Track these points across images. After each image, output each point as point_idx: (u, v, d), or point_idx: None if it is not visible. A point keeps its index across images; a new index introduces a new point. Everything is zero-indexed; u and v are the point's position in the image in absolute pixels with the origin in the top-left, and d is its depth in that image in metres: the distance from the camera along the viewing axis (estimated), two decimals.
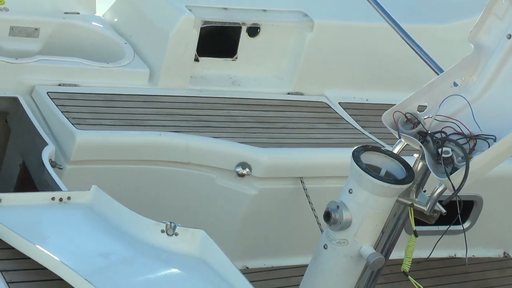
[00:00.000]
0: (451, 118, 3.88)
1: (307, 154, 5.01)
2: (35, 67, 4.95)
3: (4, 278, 3.39)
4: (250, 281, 3.62)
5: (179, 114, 5.02)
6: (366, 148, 3.93)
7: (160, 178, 4.79)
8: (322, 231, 4.11)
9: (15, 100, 4.80)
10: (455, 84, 3.99)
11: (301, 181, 4.93)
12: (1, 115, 4.88)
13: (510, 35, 3.92)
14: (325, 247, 3.99)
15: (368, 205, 3.86)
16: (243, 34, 5.44)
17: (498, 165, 3.89)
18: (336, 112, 5.50)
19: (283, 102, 5.46)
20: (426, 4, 5.95)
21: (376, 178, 3.80)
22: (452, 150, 3.76)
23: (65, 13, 5.46)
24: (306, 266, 4.17)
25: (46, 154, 4.39)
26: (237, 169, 4.82)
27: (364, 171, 3.80)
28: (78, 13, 5.50)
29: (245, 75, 5.51)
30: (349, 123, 5.42)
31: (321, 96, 5.60)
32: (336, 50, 5.60)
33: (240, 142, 4.90)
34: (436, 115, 3.90)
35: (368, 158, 3.90)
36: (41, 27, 5.31)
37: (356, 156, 3.85)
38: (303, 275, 4.16)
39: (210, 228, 3.86)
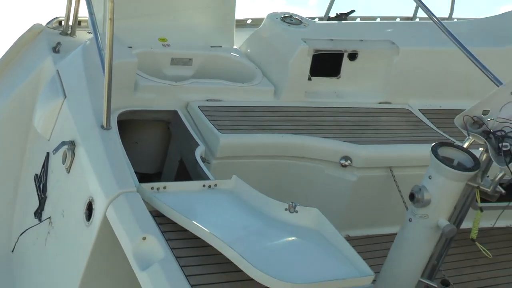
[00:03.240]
0: (509, 120, 3.76)
1: (395, 149, 4.91)
2: (189, 88, 4.97)
3: (169, 245, 3.41)
4: (352, 246, 3.58)
5: (297, 120, 4.97)
6: (442, 144, 3.85)
7: (282, 169, 4.75)
8: (407, 208, 4.03)
9: (175, 112, 4.83)
10: None
11: (391, 170, 4.85)
12: (164, 123, 4.92)
13: None
14: (410, 220, 3.92)
15: (444, 188, 3.77)
16: (345, 59, 5.37)
17: None
18: (417, 117, 5.39)
19: (376, 109, 5.36)
20: (489, 32, 5.78)
21: (450, 167, 3.72)
22: (510, 144, 3.66)
23: (211, 46, 5.47)
24: (395, 234, 4.09)
25: (198, 153, 4.41)
26: (341, 161, 4.76)
27: (441, 162, 3.73)
28: (220, 46, 5.50)
29: (346, 90, 5.43)
30: (427, 125, 5.30)
31: (405, 105, 5.49)
32: (417, 69, 5.48)
33: (343, 141, 4.82)
34: (497, 118, 3.79)
35: (444, 151, 3.82)
36: (194, 58, 5.33)
37: (434, 150, 3.79)
38: (393, 241, 4.08)
39: (321, 207, 3.83)
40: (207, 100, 4.96)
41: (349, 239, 4.88)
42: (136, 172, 3.90)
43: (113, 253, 3.59)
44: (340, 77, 5.40)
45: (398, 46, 5.40)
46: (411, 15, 6.84)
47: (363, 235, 5.03)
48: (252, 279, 3.23)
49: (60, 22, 5.47)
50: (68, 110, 4.28)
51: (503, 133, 3.71)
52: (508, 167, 3.60)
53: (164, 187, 3.76)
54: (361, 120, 5.15)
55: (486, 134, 3.75)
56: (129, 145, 4.65)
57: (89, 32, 5.33)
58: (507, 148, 3.63)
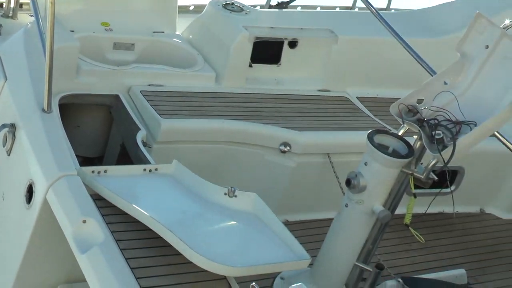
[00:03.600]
0: (442, 109, 3.81)
1: (332, 136, 4.95)
2: (131, 72, 4.93)
3: (109, 228, 3.39)
4: (290, 230, 3.60)
5: (238, 106, 4.98)
6: (378, 131, 3.89)
7: (222, 154, 4.76)
8: (344, 193, 4.07)
9: (117, 97, 4.80)
10: (446, 83, 3.92)
11: (328, 156, 4.89)
12: (106, 108, 4.88)
13: (487, 45, 3.84)
14: (346, 205, 3.96)
15: (379, 174, 3.82)
16: (285, 47, 5.37)
17: None
18: (355, 104, 5.44)
19: (315, 97, 5.39)
20: (424, 23, 5.86)
21: (385, 154, 3.76)
22: (443, 132, 3.71)
23: (154, 32, 5.41)
24: (332, 219, 4.13)
25: (140, 137, 4.38)
26: (281, 147, 4.78)
27: (377, 148, 3.77)
28: (163, 32, 5.46)
29: (286, 77, 5.44)
30: (365, 113, 5.35)
31: (343, 92, 5.54)
32: (355, 58, 5.52)
33: (283, 127, 4.84)
34: (431, 106, 3.85)
35: (379, 139, 3.86)
36: (136, 43, 5.27)
37: (370, 137, 3.82)
38: (329, 226, 4.12)
39: (260, 192, 3.84)
40: (149, 85, 4.93)
41: (287, 223, 4.91)
42: (77, 156, 3.86)
43: (54, 236, 3.55)
44: (280, 64, 5.41)
45: (337, 35, 5.43)
46: (350, 5, 6.89)
47: (302, 220, 5.07)
48: (191, 262, 3.23)
49: (1, 4, 5.37)
50: (9, 92, 4.20)
51: (436, 121, 3.76)
52: (441, 155, 3.65)
53: (105, 171, 3.73)
54: (301, 107, 5.18)
55: (420, 122, 3.80)
56: (71, 128, 4.59)
57: (31, 15, 5.23)
58: (440, 136, 3.68)
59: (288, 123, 4.91)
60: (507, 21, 3.93)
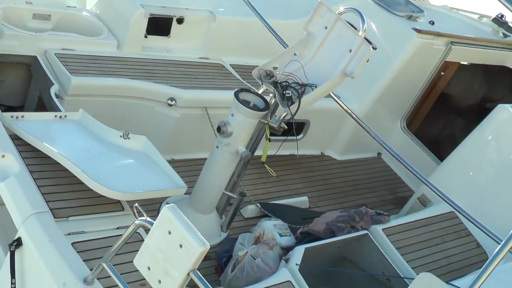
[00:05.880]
0: (292, 74, 3.88)
1: (209, 94, 4.93)
2: (48, 38, 4.72)
3: (24, 162, 3.28)
4: (173, 167, 3.60)
5: (135, 69, 4.86)
6: (242, 90, 3.92)
7: (122, 106, 4.65)
8: (216, 136, 4.08)
9: (35, 57, 4.59)
10: (295, 54, 3.98)
11: (206, 109, 4.87)
12: (26, 66, 4.66)
13: (326, 26, 3.91)
14: (217, 147, 3.99)
15: (243, 123, 3.86)
16: (174, 22, 5.26)
17: (318, 102, 3.91)
18: (228, 70, 5.43)
19: (197, 63, 5.32)
20: (285, 8, 5.89)
21: (247, 108, 3.80)
22: (291, 92, 3.78)
23: (67, 6, 5.18)
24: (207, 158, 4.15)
25: (53, 90, 4.24)
26: (168, 101, 4.72)
27: (241, 103, 3.80)
28: (75, 7, 5.24)
29: (175, 47, 5.33)
30: (235, 76, 5.36)
31: (220, 60, 5.50)
32: (229, 33, 5.49)
33: (171, 86, 4.77)
34: (283, 72, 3.90)
35: (243, 96, 3.89)
36: (52, 14, 5.03)
37: (236, 95, 3.85)
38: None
39: (150, 135, 3.82)
40: (62, 49, 4.74)
41: (173, 161, 4.89)
42: (0, 104, 3.69)
43: None
44: (170, 36, 5.31)
45: (215, 15, 5.39)
46: None
47: (184, 158, 5.05)
48: (92, 190, 3.18)
49: None
50: None
51: (287, 83, 3.82)
52: (289, 109, 3.73)
53: (22, 116, 3.59)
54: (185, 71, 5.12)
55: (275, 84, 3.85)
56: None
57: None
58: (289, 95, 3.76)
59: (175, 82, 4.85)
60: (341, 8, 4.00)
